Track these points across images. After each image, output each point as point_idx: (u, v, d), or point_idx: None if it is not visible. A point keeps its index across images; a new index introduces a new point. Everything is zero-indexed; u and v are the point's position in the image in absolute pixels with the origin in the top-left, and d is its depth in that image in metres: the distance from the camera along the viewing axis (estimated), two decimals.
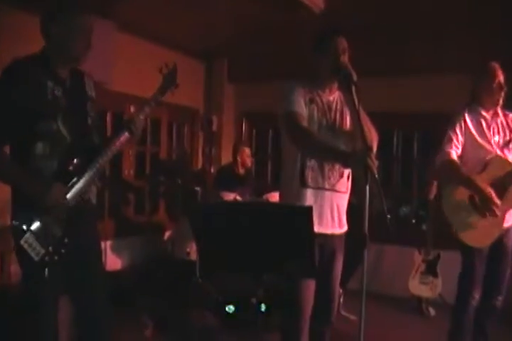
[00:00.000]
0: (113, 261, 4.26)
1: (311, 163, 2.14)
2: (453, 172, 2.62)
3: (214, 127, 5.41)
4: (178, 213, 4.75)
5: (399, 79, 4.46)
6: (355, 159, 1.87)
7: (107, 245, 4.16)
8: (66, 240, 1.84)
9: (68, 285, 1.94)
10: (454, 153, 2.63)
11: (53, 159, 1.85)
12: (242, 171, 4.65)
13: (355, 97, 2.00)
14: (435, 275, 4.12)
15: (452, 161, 2.62)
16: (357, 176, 2.17)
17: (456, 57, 4.10)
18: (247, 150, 4.66)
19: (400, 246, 4.47)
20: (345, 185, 2.22)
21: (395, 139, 4.94)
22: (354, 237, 2.04)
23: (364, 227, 1.81)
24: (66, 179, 1.86)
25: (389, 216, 1.88)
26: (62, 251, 1.83)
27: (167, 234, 4.87)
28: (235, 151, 4.67)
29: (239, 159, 4.59)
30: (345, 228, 2.26)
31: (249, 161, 4.66)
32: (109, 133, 4.08)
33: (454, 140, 2.63)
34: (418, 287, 4.16)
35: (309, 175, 2.13)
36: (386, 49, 4.33)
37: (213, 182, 4.72)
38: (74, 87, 1.96)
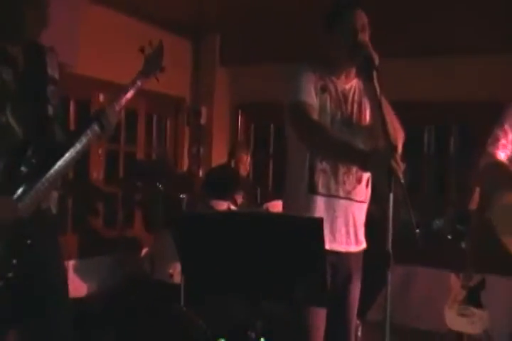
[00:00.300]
0: (77, 286, 4.28)
1: (323, 166, 2.17)
2: (502, 174, 2.63)
3: (203, 120, 5.44)
4: (158, 226, 4.76)
5: (429, 62, 4.48)
6: (376, 161, 1.90)
7: (69, 266, 4.18)
8: (14, 261, 1.84)
9: (22, 312, 1.95)
10: (503, 154, 2.64)
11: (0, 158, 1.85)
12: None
13: (376, 85, 2.03)
14: (478, 305, 4.10)
15: (499, 162, 2.64)
16: (378, 182, 2.19)
17: (499, 35, 4.11)
18: (245, 158, 4.71)
19: (432, 268, 4.49)
20: (363, 192, 2.26)
21: (425, 135, 4.97)
22: (374, 256, 2.06)
23: (387, 244, 1.84)
24: (16, 183, 1.86)
25: (418, 230, 1.90)
26: (10, 274, 1.83)
27: (144, 251, 4.89)
28: (232, 156, 4.73)
29: (233, 165, 4.65)
30: (363, 245, 2.30)
31: (245, 169, 4.71)
32: (71, 126, 4.11)
33: (502, 139, 2.64)
34: (457, 320, 4.15)
35: (320, 180, 2.16)
36: (410, 25, 4.35)
37: (202, 188, 4.74)
38: (30, 67, 1.95)
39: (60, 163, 1.94)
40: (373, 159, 1.91)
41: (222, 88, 5.56)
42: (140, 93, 2.17)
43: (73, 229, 4.54)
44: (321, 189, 2.17)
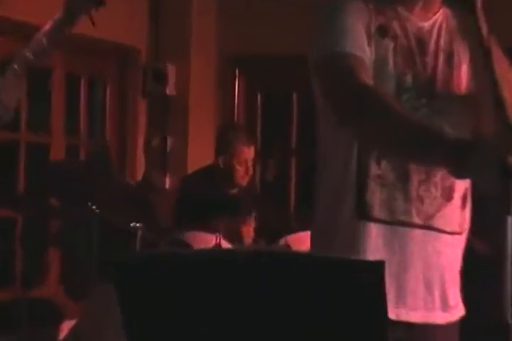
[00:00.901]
0: None
1: (381, 169, 2.19)
2: None
3: (170, 88, 5.45)
4: (91, 279, 4.80)
5: None
6: (481, 157, 1.90)
7: None
8: None
9: None
10: None
11: None
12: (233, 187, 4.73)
13: (481, 21, 2.03)
14: None
15: None
16: (485, 195, 2.20)
17: None
18: (247, 152, 4.74)
19: None
20: (457, 216, 2.28)
21: None
22: (481, 330, 2.08)
23: (504, 310, 1.84)
24: None
25: None
26: None
27: (66, 325, 4.93)
28: (222, 149, 4.76)
29: (224, 165, 4.69)
30: (458, 311, 2.32)
31: (246, 173, 4.74)
32: None
33: None
34: None
35: (376, 196, 2.19)
36: None
37: (173, 211, 4.77)
38: None
39: None
40: (476, 155, 1.91)
41: (204, 30, 5.59)
42: (60, 41, 2.19)
43: None
44: (378, 211, 2.19)
